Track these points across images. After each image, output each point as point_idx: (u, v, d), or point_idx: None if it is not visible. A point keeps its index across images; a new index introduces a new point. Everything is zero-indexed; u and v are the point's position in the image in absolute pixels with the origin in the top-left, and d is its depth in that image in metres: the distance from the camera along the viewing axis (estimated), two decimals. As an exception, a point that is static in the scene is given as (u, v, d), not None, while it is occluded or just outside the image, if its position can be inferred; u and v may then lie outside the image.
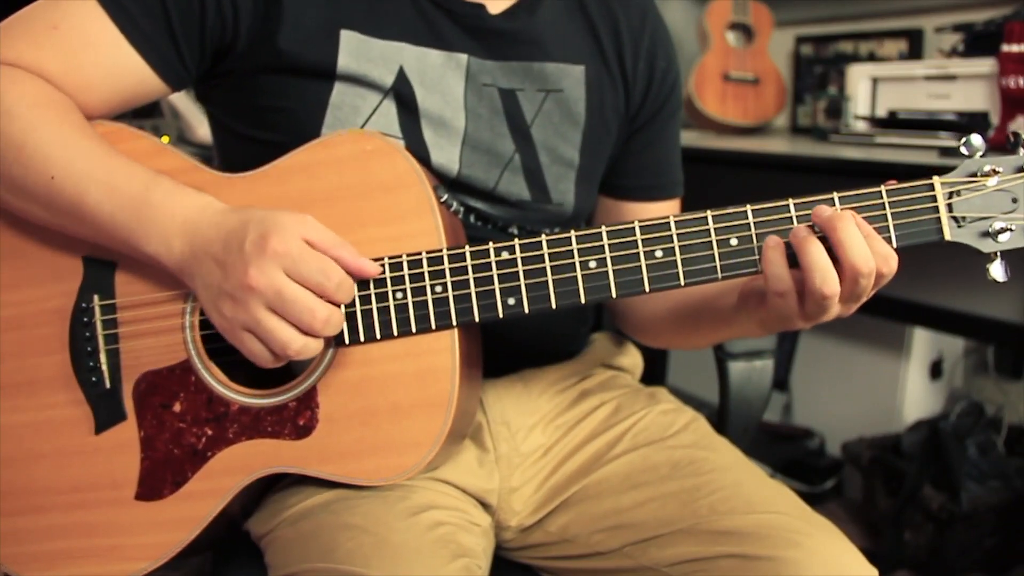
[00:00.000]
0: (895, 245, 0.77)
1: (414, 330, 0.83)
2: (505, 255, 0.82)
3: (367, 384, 0.84)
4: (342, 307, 0.81)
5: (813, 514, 0.89)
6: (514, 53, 0.96)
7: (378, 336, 0.83)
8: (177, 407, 0.88)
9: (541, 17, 0.97)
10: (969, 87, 1.72)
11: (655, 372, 1.37)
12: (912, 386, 2.17)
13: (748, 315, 0.84)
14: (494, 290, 0.82)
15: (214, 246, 0.79)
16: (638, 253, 0.80)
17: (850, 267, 0.74)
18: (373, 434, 0.84)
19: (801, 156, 1.82)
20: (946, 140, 1.64)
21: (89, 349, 0.89)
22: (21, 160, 0.83)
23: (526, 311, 0.82)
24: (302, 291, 0.77)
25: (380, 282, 0.83)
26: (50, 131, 0.83)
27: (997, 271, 0.77)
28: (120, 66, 0.87)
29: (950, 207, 0.77)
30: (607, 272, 0.81)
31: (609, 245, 0.81)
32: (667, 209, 1.08)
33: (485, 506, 0.97)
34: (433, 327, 0.83)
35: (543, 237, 0.82)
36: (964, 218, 0.77)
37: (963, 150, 0.77)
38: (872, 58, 2.15)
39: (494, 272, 0.82)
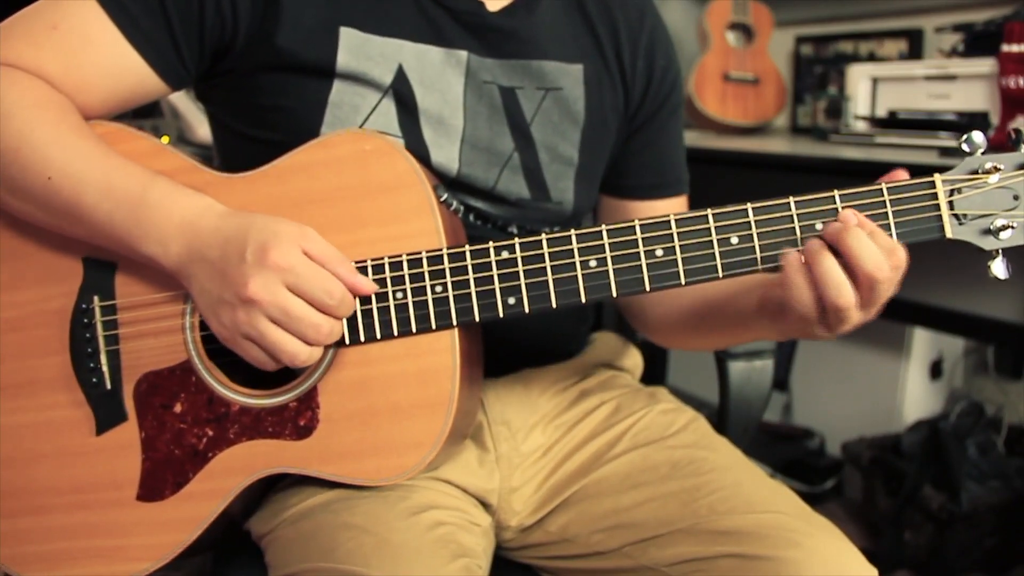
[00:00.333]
0: None
1: (414, 330, 0.83)
2: (505, 254, 0.82)
3: (367, 384, 0.84)
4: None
5: (813, 514, 0.89)
6: (513, 51, 0.96)
7: (378, 336, 0.83)
8: (178, 408, 0.88)
9: (540, 16, 0.97)
10: (969, 87, 1.72)
11: (655, 372, 1.37)
12: (912, 386, 2.17)
13: (769, 322, 0.84)
14: (494, 290, 0.82)
15: (212, 251, 0.79)
16: (638, 252, 0.80)
17: (865, 276, 0.74)
18: (373, 434, 0.84)
19: (801, 156, 1.82)
20: (946, 140, 1.64)
21: (89, 350, 0.89)
22: (19, 161, 0.83)
23: (526, 311, 0.82)
24: (306, 307, 0.79)
25: (380, 282, 0.83)
26: (47, 132, 0.83)
27: (999, 268, 0.77)
28: (120, 66, 0.87)
29: (951, 204, 0.77)
30: (607, 271, 0.81)
31: (609, 244, 0.81)
32: (672, 207, 1.07)
33: (485, 506, 0.97)
34: (433, 327, 0.83)
35: (543, 236, 0.81)
36: (965, 215, 0.77)
37: (964, 147, 0.77)
38: (872, 58, 2.15)
39: (494, 272, 0.82)
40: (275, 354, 0.80)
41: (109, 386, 0.89)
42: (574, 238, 0.81)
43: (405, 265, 0.83)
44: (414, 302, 0.83)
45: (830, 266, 0.74)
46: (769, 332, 0.86)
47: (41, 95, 0.85)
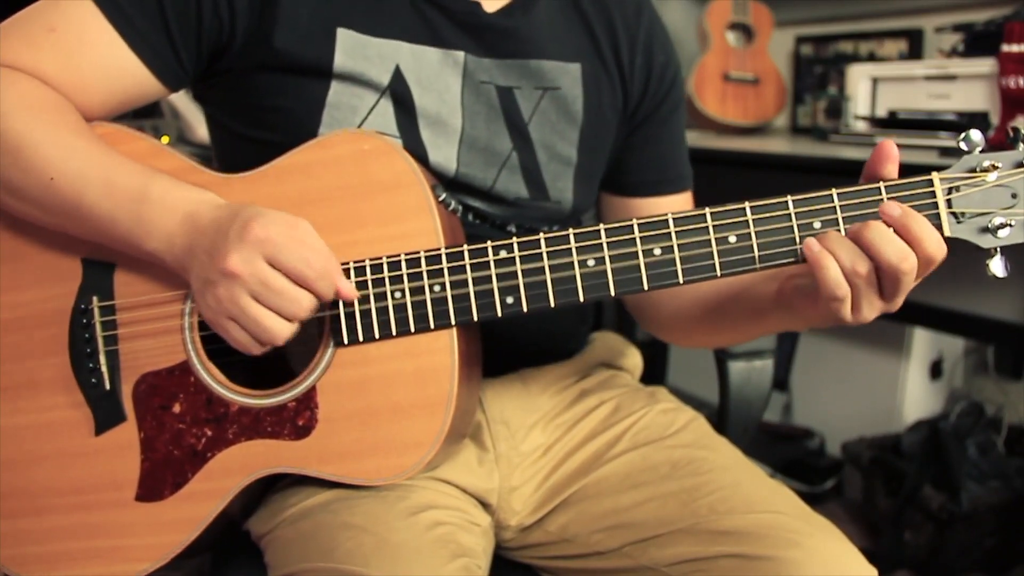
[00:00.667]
0: None
1: (413, 330, 0.83)
2: (503, 254, 0.82)
3: (366, 384, 0.84)
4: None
5: (813, 514, 0.89)
6: (511, 51, 0.96)
7: (377, 336, 0.83)
8: (177, 408, 0.88)
9: (536, 15, 0.97)
10: (969, 87, 1.72)
11: (655, 372, 1.37)
12: (912, 386, 2.17)
13: (786, 312, 0.84)
14: (492, 289, 0.82)
15: (206, 238, 0.79)
16: (636, 251, 0.80)
17: (887, 265, 0.74)
18: (373, 434, 0.84)
19: (801, 156, 1.82)
20: (946, 140, 1.64)
21: (88, 350, 0.89)
22: (19, 163, 0.83)
23: (525, 310, 0.82)
24: (285, 280, 0.77)
25: (378, 282, 0.83)
26: (47, 133, 0.83)
27: (997, 267, 0.77)
28: (117, 67, 0.87)
29: (949, 203, 0.77)
30: (606, 271, 0.81)
31: (607, 243, 0.81)
32: (675, 204, 1.07)
33: (485, 506, 0.97)
34: (432, 327, 0.83)
35: (541, 236, 0.81)
36: (963, 214, 0.77)
37: (962, 145, 0.77)
38: (872, 58, 2.15)
39: (492, 271, 0.82)
40: (255, 331, 0.78)
41: (108, 387, 0.89)
42: (572, 237, 0.81)
43: (403, 265, 0.83)
44: (412, 302, 0.83)
45: (882, 230, 0.74)
46: (787, 323, 0.86)
47: (40, 96, 0.85)
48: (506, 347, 0.96)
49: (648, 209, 1.06)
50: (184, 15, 0.86)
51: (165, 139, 0.90)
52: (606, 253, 0.81)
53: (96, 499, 0.89)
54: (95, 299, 0.89)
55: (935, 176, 0.77)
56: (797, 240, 0.78)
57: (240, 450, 0.86)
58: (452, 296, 0.82)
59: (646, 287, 0.80)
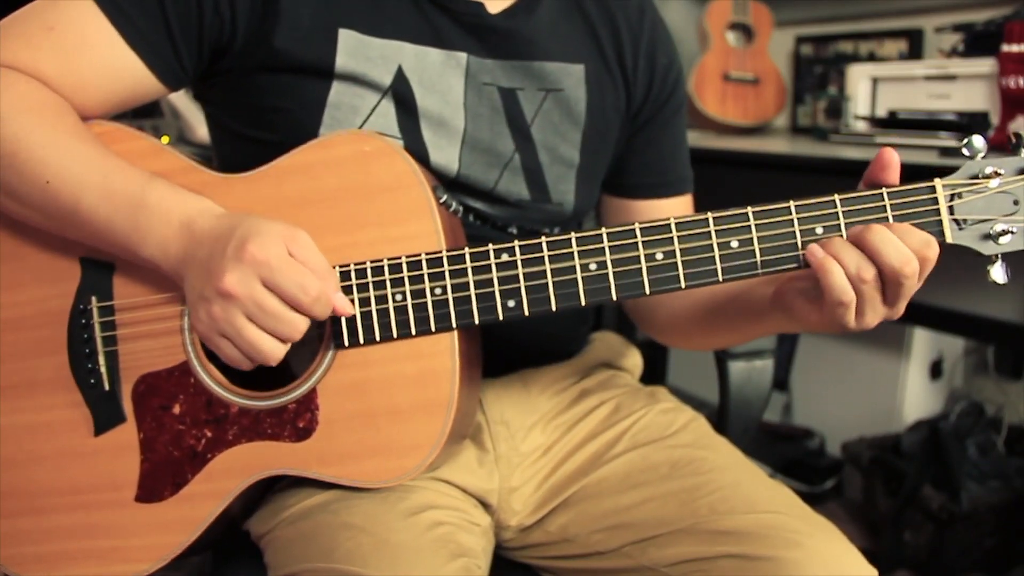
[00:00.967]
0: None
1: (414, 332, 0.83)
2: (505, 257, 0.82)
3: (367, 386, 0.84)
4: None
5: (813, 514, 0.89)
6: (514, 52, 0.96)
7: (378, 338, 0.83)
8: (176, 409, 0.88)
9: (540, 17, 0.97)
10: (969, 87, 1.72)
11: (655, 372, 1.37)
12: (912, 386, 2.17)
13: (792, 317, 0.83)
14: (494, 292, 0.82)
15: (203, 250, 0.79)
16: (638, 255, 0.80)
17: (890, 269, 0.74)
18: (373, 436, 0.84)
19: (801, 156, 1.82)
20: (946, 140, 1.64)
21: (87, 351, 0.89)
22: (16, 165, 0.83)
23: (526, 313, 0.82)
24: (280, 304, 0.77)
25: (379, 284, 0.83)
26: (44, 135, 0.83)
27: (998, 273, 0.77)
28: (117, 67, 0.87)
29: (951, 209, 0.77)
30: (607, 274, 0.81)
31: (609, 247, 0.81)
32: (676, 206, 1.07)
33: (485, 506, 0.97)
34: (433, 329, 0.83)
35: (543, 239, 0.81)
36: (965, 220, 0.77)
37: (965, 152, 0.77)
38: (872, 58, 2.15)
39: (494, 274, 0.82)
40: (249, 353, 0.79)
41: (107, 387, 0.89)
42: (574, 241, 0.81)
43: (404, 267, 0.83)
44: (413, 304, 0.83)
45: (884, 234, 0.74)
46: (785, 325, 0.86)
47: (38, 98, 0.85)
48: (506, 348, 0.96)
49: (648, 211, 1.06)
50: (185, 14, 0.86)
51: (165, 139, 0.89)
52: (608, 257, 0.81)
53: (95, 499, 0.89)
54: (94, 299, 0.89)
55: (938, 182, 0.77)
56: (799, 245, 0.78)
57: (240, 451, 0.86)
58: (453, 299, 0.82)
59: (648, 291, 0.80)
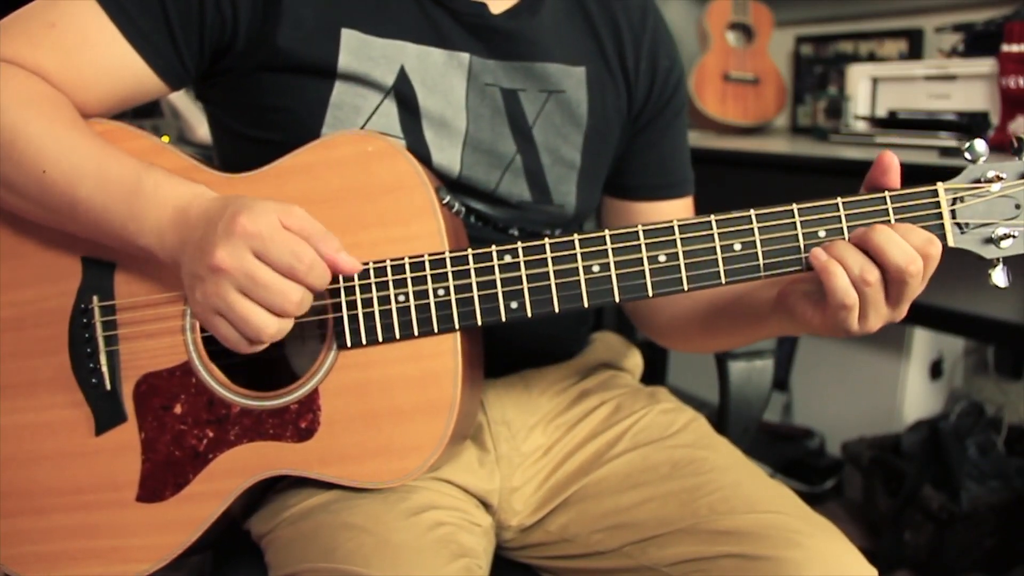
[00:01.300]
0: None
1: (416, 333, 0.83)
2: (508, 258, 0.82)
3: (369, 387, 0.84)
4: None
5: (813, 514, 0.89)
6: (516, 53, 0.96)
7: (380, 339, 0.83)
8: (178, 409, 0.88)
9: (542, 18, 0.97)
10: (969, 87, 1.72)
11: (655, 372, 1.37)
12: (912, 386, 2.17)
13: (793, 320, 0.83)
14: (497, 293, 0.82)
15: (197, 232, 0.78)
16: (641, 258, 0.80)
17: (895, 268, 0.74)
18: (375, 437, 0.84)
19: (801, 156, 1.82)
20: (946, 140, 1.64)
21: (89, 350, 0.89)
22: (13, 156, 0.83)
23: (529, 314, 0.82)
24: (272, 274, 0.75)
25: (382, 285, 0.83)
26: (41, 126, 0.83)
27: (999, 277, 0.77)
28: (118, 65, 0.87)
29: (953, 213, 0.77)
30: (610, 276, 0.81)
31: (612, 249, 0.81)
32: (677, 208, 1.07)
33: (486, 506, 0.97)
34: (435, 330, 0.82)
35: (546, 241, 0.81)
36: (967, 224, 0.77)
37: (966, 156, 0.77)
38: (872, 58, 2.15)
39: (497, 276, 0.82)
40: (242, 327, 0.76)
41: (109, 386, 0.89)
42: (577, 243, 0.81)
43: (407, 268, 0.83)
44: (416, 305, 0.83)
45: (888, 234, 0.74)
46: (786, 328, 0.86)
47: (37, 91, 0.84)
48: (507, 348, 0.96)
49: (649, 213, 1.06)
50: (186, 13, 0.86)
51: (165, 139, 0.89)
52: (611, 259, 0.81)
53: (96, 499, 0.89)
54: (95, 299, 0.89)
55: (940, 186, 0.77)
56: (802, 248, 0.78)
57: (242, 452, 0.86)
58: (456, 300, 0.82)
59: (650, 293, 0.80)
